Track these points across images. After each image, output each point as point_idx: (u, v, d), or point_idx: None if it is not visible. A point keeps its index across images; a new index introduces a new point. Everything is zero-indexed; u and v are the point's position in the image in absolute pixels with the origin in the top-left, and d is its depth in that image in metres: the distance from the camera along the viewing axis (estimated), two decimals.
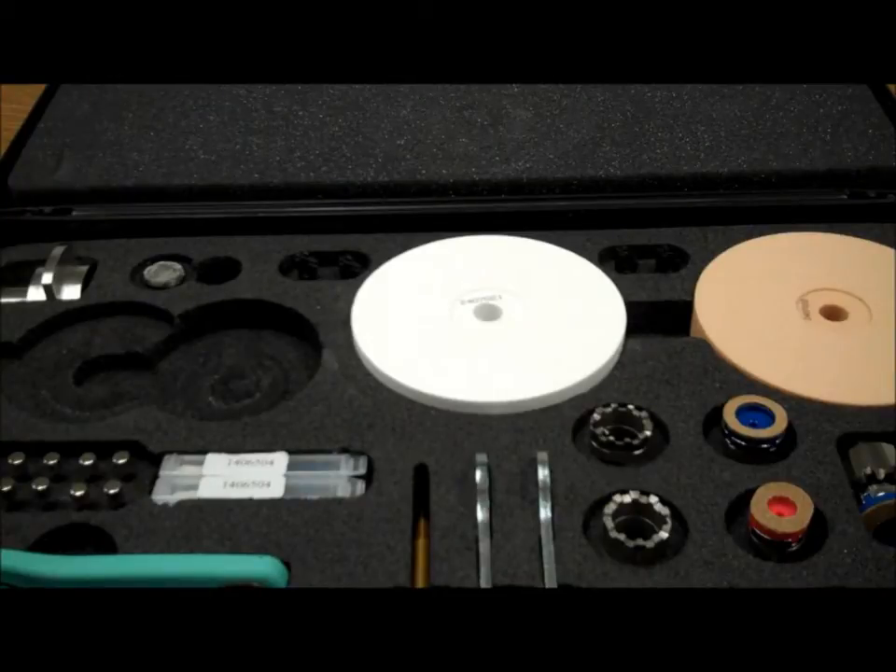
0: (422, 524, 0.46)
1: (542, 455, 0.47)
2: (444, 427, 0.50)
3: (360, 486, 0.47)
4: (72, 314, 0.57)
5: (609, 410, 0.50)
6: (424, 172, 0.64)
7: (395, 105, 0.70)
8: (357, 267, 0.59)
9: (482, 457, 0.47)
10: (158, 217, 0.62)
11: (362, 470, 0.48)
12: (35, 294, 0.58)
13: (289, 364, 0.56)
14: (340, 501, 0.46)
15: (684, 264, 0.59)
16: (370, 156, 0.65)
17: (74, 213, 0.62)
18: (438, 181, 0.64)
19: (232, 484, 0.47)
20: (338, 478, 0.48)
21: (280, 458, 0.49)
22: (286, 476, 0.48)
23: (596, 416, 0.49)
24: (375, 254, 0.60)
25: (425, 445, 0.49)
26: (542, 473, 0.46)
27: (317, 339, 0.55)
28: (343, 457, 0.49)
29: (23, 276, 0.59)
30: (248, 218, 0.62)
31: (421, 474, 0.48)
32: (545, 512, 0.45)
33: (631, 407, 0.49)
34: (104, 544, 0.45)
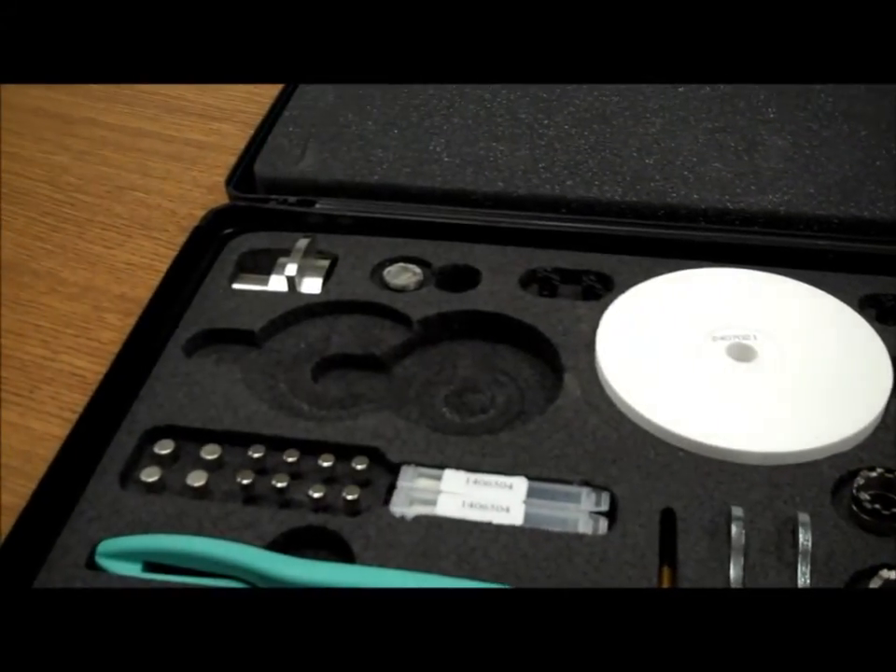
0: (666, 572, 0.44)
1: (804, 517, 0.44)
2: (693, 471, 0.47)
3: (603, 524, 0.46)
4: (312, 308, 0.57)
5: (874, 474, 0.46)
6: (674, 195, 0.62)
7: (643, 122, 0.68)
8: (600, 289, 0.57)
9: (738, 511, 0.45)
10: (399, 218, 0.62)
11: (604, 507, 0.46)
12: (277, 284, 0.58)
13: (525, 383, 0.54)
14: (581, 537, 0.45)
15: None
16: (617, 173, 0.64)
17: (317, 205, 0.63)
18: (688, 206, 0.61)
19: (471, 505, 0.46)
20: (578, 512, 0.46)
21: (519, 483, 0.47)
22: (525, 503, 0.46)
23: (860, 480, 0.46)
24: (619, 276, 0.58)
25: (672, 488, 0.47)
26: (803, 537, 0.44)
27: (558, 360, 0.53)
28: (584, 490, 0.47)
29: (264, 265, 0.60)
30: (490, 227, 0.61)
31: (668, 519, 0.46)
32: (804, 579, 0.43)
33: None
34: (340, 551, 0.45)
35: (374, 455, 0.49)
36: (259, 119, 0.71)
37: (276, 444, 0.49)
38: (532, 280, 0.59)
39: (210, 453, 0.49)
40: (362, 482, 0.48)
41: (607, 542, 0.45)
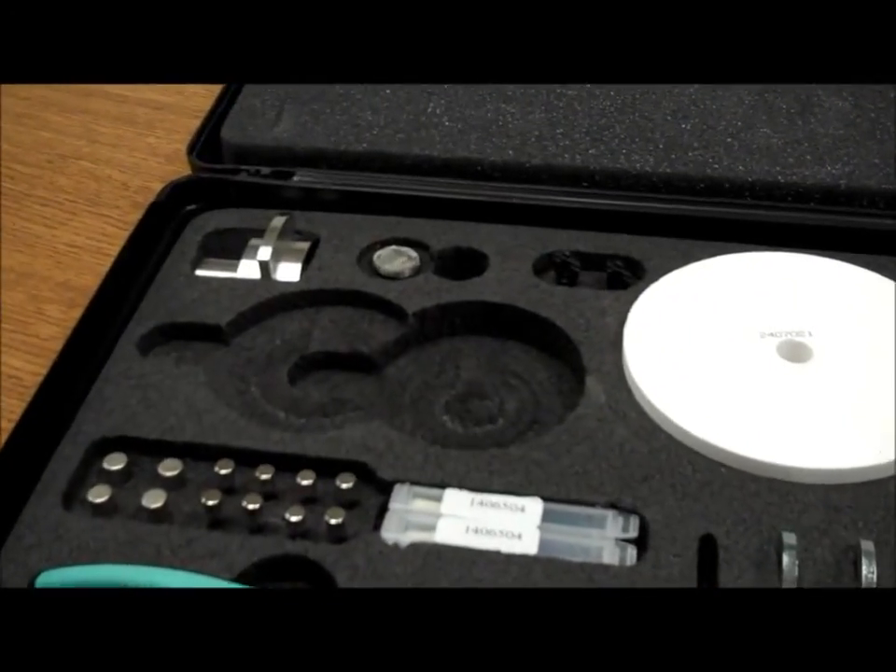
0: None
1: (868, 545, 0.44)
2: (737, 490, 0.48)
3: (631, 553, 0.46)
4: (289, 298, 0.57)
5: None
6: (715, 166, 0.62)
7: None
8: (629, 276, 0.58)
9: (790, 538, 0.45)
10: (392, 192, 0.62)
11: (633, 533, 0.46)
12: (247, 270, 0.58)
13: (539, 386, 0.55)
14: (606, 569, 0.45)
15: None
16: (648, 140, 0.64)
17: (295, 178, 0.63)
18: (732, 179, 0.62)
19: (476, 531, 0.46)
20: (603, 539, 0.46)
21: (533, 505, 0.47)
22: (540, 528, 0.47)
23: None
24: (650, 262, 0.58)
25: (712, 511, 0.47)
26: (867, 568, 0.44)
27: (579, 361, 0.53)
28: (609, 514, 0.47)
29: (232, 247, 0.60)
30: (499, 204, 0.61)
31: (708, 547, 0.46)
32: None
33: None
34: (322, 583, 0.45)
35: (362, 472, 0.49)
36: None
37: (247, 459, 0.49)
38: (548, 266, 0.59)
39: (169, 469, 0.49)
40: (348, 503, 0.48)
41: (636, 574, 0.45)
